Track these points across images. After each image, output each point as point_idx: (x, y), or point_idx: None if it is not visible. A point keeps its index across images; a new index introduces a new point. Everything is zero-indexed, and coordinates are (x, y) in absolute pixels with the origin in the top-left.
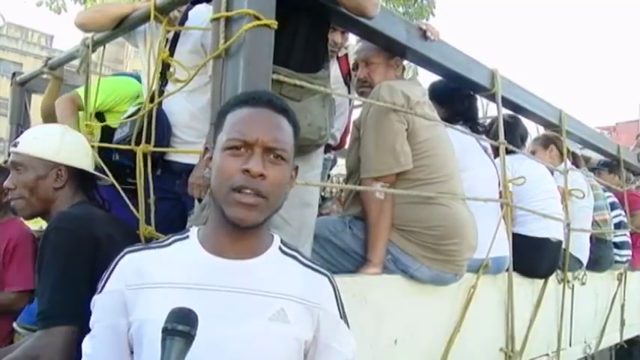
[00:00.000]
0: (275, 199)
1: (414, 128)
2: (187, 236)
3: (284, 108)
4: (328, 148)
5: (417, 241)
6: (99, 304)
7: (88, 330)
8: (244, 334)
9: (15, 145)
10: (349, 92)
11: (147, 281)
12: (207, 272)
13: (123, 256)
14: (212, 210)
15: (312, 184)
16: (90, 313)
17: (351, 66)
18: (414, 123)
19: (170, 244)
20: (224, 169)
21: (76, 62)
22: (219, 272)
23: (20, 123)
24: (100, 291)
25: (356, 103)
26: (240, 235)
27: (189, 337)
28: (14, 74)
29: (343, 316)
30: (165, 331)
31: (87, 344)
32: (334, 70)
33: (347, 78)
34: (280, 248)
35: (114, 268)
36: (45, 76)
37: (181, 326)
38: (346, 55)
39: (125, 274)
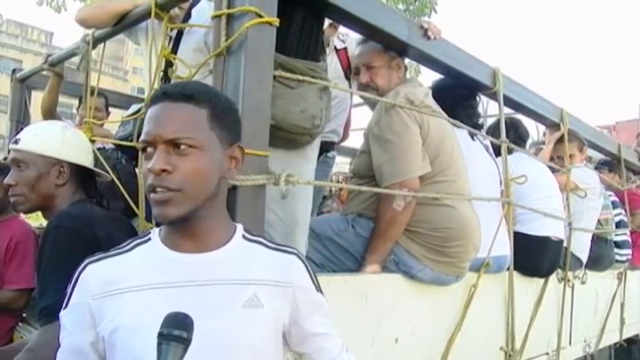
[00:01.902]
0: (193, 190)
1: (423, 129)
2: (149, 238)
3: (185, 94)
4: (332, 146)
5: (422, 243)
6: (65, 319)
7: None
8: (220, 325)
9: (16, 142)
10: (350, 87)
11: (113, 288)
12: (174, 269)
13: (84, 267)
14: None
15: (317, 183)
16: None
17: (352, 68)
18: (423, 123)
19: (132, 248)
20: (143, 173)
21: (76, 59)
22: (185, 267)
23: (20, 120)
24: (66, 306)
25: (356, 101)
26: (188, 232)
27: (185, 342)
28: (14, 71)
29: (319, 288)
30: (160, 335)
31: None
32: (335, 64)
33: (347, 72)
34: (244, 236)
35: (76, 281)
36: (45, 72)
37: (177, 331)
38: (345, 48)
39: (89, 285)
